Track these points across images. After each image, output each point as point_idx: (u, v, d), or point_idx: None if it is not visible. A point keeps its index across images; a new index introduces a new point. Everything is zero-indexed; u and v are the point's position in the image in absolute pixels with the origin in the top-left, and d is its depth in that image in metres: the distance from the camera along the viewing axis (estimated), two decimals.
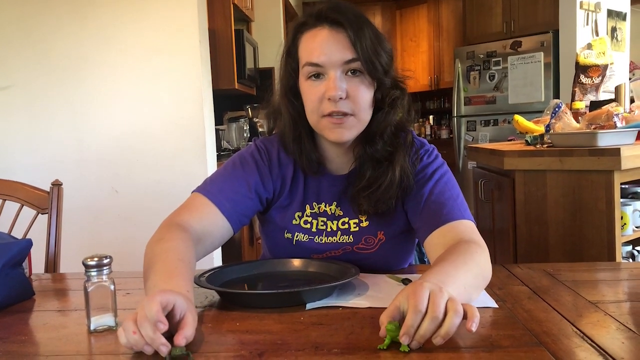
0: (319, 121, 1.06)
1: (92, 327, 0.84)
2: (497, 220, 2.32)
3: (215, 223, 1.07)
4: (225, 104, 3.94)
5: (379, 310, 0.78)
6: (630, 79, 4.47)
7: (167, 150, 2.61)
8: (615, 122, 2.03)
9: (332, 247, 1.14)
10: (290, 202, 1.16)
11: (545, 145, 2.15)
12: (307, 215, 1.15)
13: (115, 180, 2.63)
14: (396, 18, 6.68)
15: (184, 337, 0.73)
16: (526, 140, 2.31)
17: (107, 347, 0.79)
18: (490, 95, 5.33)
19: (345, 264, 1.06)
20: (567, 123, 2.11)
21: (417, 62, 6.44)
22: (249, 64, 3.77)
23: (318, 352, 0.73)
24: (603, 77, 2.56)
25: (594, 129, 2.03)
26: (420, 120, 6.68)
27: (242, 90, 3.71)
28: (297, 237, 1.15)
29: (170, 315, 0.76)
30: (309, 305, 0.91)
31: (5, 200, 1.56)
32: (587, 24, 4.53)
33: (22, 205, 1.55)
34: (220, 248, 2.61)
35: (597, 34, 4.52)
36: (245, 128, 3.91)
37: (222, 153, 3.32)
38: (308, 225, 1.15)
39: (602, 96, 2.61)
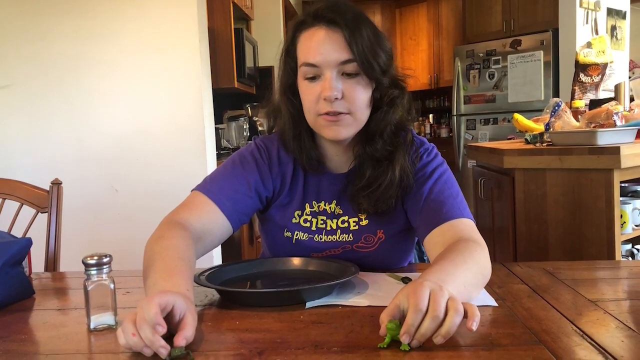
0: (316, 120, 1.06)
1: (92, 326, 0.84)
2: (496, 218, 2.32)
3: (215, 221, 1.07)
4: (225, 103, 3.94)
5: (379, 308, 0.78)
6: (629, 77, 4.46)
7: (167, 149, 2.61)
8: (614, 120, 2.03)
9: (332, 245, 1.14)
10: (290, 201, 1.16)
11: (545, 144, 2.15)
12: (306, 214, 1.15)
13: (114, 179, 2.64)
14: (396, 16, 6.68)
15: (184, 337, 0.73)
16: (526, 139, 2.31)
17: (107, 345, 0.79)
18: (489, 94, 5.33)
19: (345, 263, 1.06)
20: (567, 122, 2.11)
21: (416, 60, 6.44)
22: (249, 62, 3.77)
23: (318, 350, 0.73)
24: (603, 75, 2.56)
25: (593, 127, 2.03)
26: (420, 118, 6.69)
27: (242, 89, 3.71)
28: (296, 235, 1.15)
29: (169, 316, 0.75)
30: (308, 304, 0.92)
31: (5, 199, 1.56)
32: (587, 22, 4.53)
33: (22, 204, 1.55)
34: (219, 247, 2.61)
35: (596, 33, 4.52)
36: (244, 127, 3.91)
37: (221, 152, 3.32)
38: (308, 224, 1.15)
39: (602, 95, 2.61)
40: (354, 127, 1.06)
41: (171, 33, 2.57)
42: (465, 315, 0.72)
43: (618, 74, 3.79)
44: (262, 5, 4.53)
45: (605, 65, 2.55)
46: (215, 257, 2.66)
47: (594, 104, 2.39)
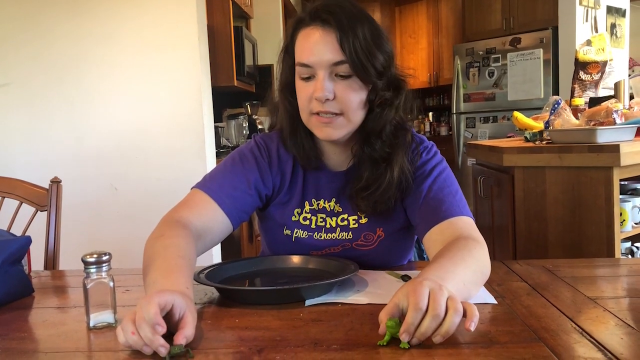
0: (309, 119, 1.06)
1: (91, 324, 0.84)
2: (496, 216, 2.32)
3: (215, 219, 1.07)
4: (224, 101, 3.94)
5: (379, 306, 0.78)
6: (629, 75, 4.47)
7: (166, 147, 2.61)
8: (614, 118, 2.03)
9: (331, 243, 1.14)
10: (290, 199, 1.16)
11: (545, 142, 2.15)
12: (306, 212, 1.15)
13: (114, 178, 2.63)
14: (395, 15, 6.67)
15: (184, 336, 0.73)
16: (525, 137, 2.31)
17: (107, 343, 0.79)
18: (489, 92, 5.33)
19: (345, 261, 1.06)
20: (567, 119, 2.11)
21: (416, 59, 6.44)
22: (248, 61, 3.77)
23: (317, 348, 0.73)
24: (602, 73, 2.56)
25: (593, 125, 2.03)
26: (420, 117, 6.68)
27: (241, 87, 3.71)
28: (296, 233, 1.15)
29: (169, 315, 0.76)
30: (308, 302, 0.92)
31: (5, 197, 1.56)
32: (587, 20, 4.53)
33: (21, 203, 1.55)
34: (219, 245, 2.61)
35: (596, 31, 4.52)
36: (244, 125, 3.91)
37: (221, 150, 3.32)
38: (307, 222, 1.15)
39: (602, 93, 2.61)
40: (347, 128, 1.06)
41: (170, 32, 2.57)
42: (465, 315, 0.72)
43: (618, 71, 3.78)
44: (261, 4, 4.52)
45: (604, 63, 2.55)
46: (215, 255, 2.66)
47: (594, 101, 2.39)
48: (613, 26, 4.74)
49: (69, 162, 2.62)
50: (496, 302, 0.90)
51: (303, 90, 1.05)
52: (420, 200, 1.09)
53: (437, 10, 6.29)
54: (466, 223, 1.04)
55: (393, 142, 1.09)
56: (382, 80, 1.05)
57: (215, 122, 2.92)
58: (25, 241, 1.07)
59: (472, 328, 0.71)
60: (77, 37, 2.59)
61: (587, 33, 4.46)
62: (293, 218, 1.15)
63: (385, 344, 0.72)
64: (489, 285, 0.98)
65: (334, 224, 1.14)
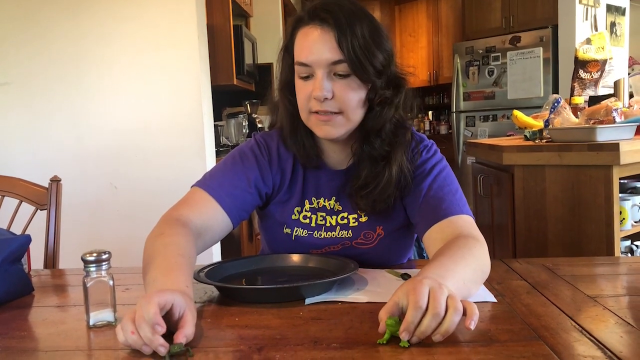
0: (309, 118, 1.07)
1: (91, 323, 0.84)
2: (496, 215, 2.32)
3: (215, 218, 1.07)
4: (224, 100, 3.93)
5: (378, 305, 0.78)
6: (629, 74, 4.47)
7: (166, 146, 2.61)
8: (614, 117, 2.03)
9: (331, 242, 1.14)
10: (290, 197, 1.16)
11: (544, 141, 2.15)
12: (306, 210, 1.15)
13: (114, 176, 2.63)
14: (395, 13, 6.67)
15: (184, 335, 0.73)
16: (525, 136, 2.31)
17: (106, 342, 0.79)
18: (489, 91, 5.32)
19: (345, 259, 1.06)
20: (566, 118, 2.11)
21: (416, 57, 6.44)
22: (248, 59, 3.77)
23: (317, 346, 0.73)
24: (602, 72, 2.56)
25: (592, 124, 2.03)
26: (420, 115, 6.67)
27: (241, 86, 3.70)
28: (296, 232, 1.15)
29: (169, 314, 0.76)
30: (308, 300, 0.92)
31: (4, 196, 1.56)
32: (587, 19, 4.53)
33: (21, 202, 1.55)
34: (219, 243, 2.62)
35: (596, 29, 4.52)
36: (244, 124, 3.90)
37: (220, 149, 3.32)
38: (307, 220, 1.15)
39: (601, 91, 2.62)
40: (346, 126, 1.06)
41: (170, 30, 2.57)
42: (464, 313, 0.72)
43: (617, 70, 3.79)
44: (261, 2, 4.52)
45: (604, 62, 2.55)
46: (215, 254, 2.66)
47: (593, 100, 2.39)
48: (613, 25, 4.74)
49: (68, 161, 2.62)
50: (496, 301, 0.90)
51: (302, 89, 1.05)
52: (420, 199, 1.08)
53: (437, 9, 6.28)
54: (466, 221, 1.04)
55: (393, 140, 1.09)
56: (382, 78, 1.05)
57: (214, 121, 2.92)
58: (25, 240, 1.07)
59: (472, 327, 0.71)
60: (76, 37, 2.59)
61: (587, 31, 4.46)
62: (293, 216, 1.15)
63: (385, 342, 0.72)
64: (489, 283, 0.98)
65: (333, 223, 1.14)
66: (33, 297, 1.04)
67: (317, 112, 1.04)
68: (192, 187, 1.12)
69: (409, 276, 1.02)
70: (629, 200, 2.05)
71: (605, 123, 2.01)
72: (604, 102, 2.12)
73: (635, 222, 2.08)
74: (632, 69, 4.99)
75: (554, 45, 4.77)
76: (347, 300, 0.91)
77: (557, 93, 4.34)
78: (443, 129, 6.46)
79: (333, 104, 1.03)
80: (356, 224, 1.14)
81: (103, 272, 0.84)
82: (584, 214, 1.89)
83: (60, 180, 1.56)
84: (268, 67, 4.18)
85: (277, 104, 1.18)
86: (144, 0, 2.56)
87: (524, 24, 5.08)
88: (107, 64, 2.60)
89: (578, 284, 0.99)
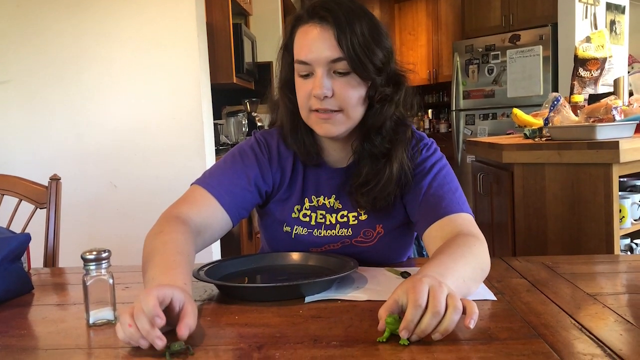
0: (309, 116, 1.06)
1: (91, 321, 0.84)
2: (495, 213, 2.32)
3: (214, 216, 1.07)
4: (224, 99, 3.93)
5: (378, 303, 0.78)
6: (629, 72, 4.47)
7: (166, 144, 2.61)
8: (613, 115, 2.03)
9: (331, 240, 1.14)
10: (290, 195, 1.16)
11: (544, 139, 2.15)
12: (306, 209, 1.15)
13: (113, 175, 2.63)
14: (395, 11, 6.67)
15: (185, 325, 0.73)
16: (525, 134, 2.31)
17: (106, 340, 0.79)
18: (489, 89, 5.32)
19: (344, 257, 1.06)
20: (566, 116, 2.11)
21: (415, 55, 6.43)
22: (247, 58, 3.76)
23: (317, 344, 0.73)
24: (602, 70, 2.56)
25: (592, 122, 2.03)
26: (419, 114, 6.67)
27: (241, 84, 3.70)
28: (296, 230, 1.15)
29: (169, 309, 0.76)
30: (307, 299, 0.92)
31: (4, 195, 1.56)
32: (586, 17, 4.53)
33: (21, 200, 1.55)
34: (219, 242, 2.61)
35: (596, 27, 4.51)
36: (243, 122, 3.90)
37: (220, 147, 3.32)
38: (307, 219, 1.15)
39: (601, 89, 2.61)
40: (346, 124, 1.06)
41: (169, 29, 2.56)
42: (464, 312, 0.72)
43: (617, 68, 3.78)
44: (260, 1, 4.51)
45: (604, 60, 2.55)
46: (215, 253, 2.66)
47: (593, 98, 2.39)
48: (612, 23, 4.74)
49: (68, 159, 2.62)
50: (495, 299, 0.90)
51: (302, 88, 1.05)
52: (420, 197, 1.08)
53: (436, 7, 6.28)
54: (466, 220, 1.04)
55: (393, 137, 1.09)
56: (381, 76, 1.05)
57: (214, 119, 2.92)
58: (25, 238, 1.07)
59: (472, 326, 0.71)
60: (76, 35, 2.59)
61: (586, 30, 4.45)
62: (293, 215, 1.15)
63: (384, 340, 0.72)
64: (489, 281, 0.98)
65: (333, 221, 1.14)
66: (33, 295, 1.04)
67: (317, 110, 1.04)
68: (191, 185, 1.12)
69: (409, 274, 1.02)
70: (629, 198, 2.05)
71: (604, 121, 2.01)
72: (603, 101, 2.12)
73: (635, 220, 2.08)
74: (632, 67, 4.99)
75: (554, 44, 4.77)
76: (347, 298, 0.92)
77: (557, 91, 4.34)
78: (443, 128, 6.46)
79: (333, 102, 1.03)
80: (356, 222, 1.14)
81: (103, 271, 0.84)
82: (584, 212, 1.89)
83: (59, 179, 1.56)
84: (268, 65, 4.18)
85: (277, 103, 1.18)
86: None
87: (524, 22, 5.08)
88: (107, 62, 2.60)
89: (578, 282, 0.99)
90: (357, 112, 1.05)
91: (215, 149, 2.94)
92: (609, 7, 4.70)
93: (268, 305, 0.89)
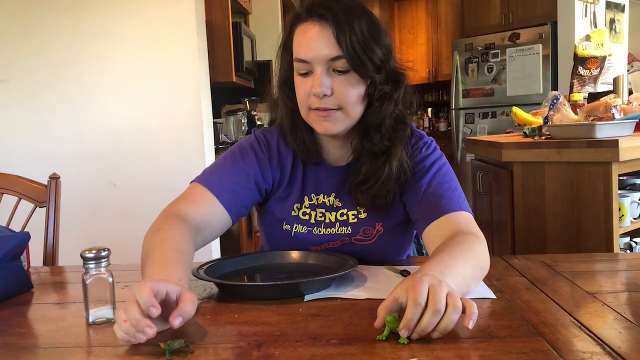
0: (308, 114, 1.07)
1: (90, 320, 0.84)
2: (495, 212, 2.32)
3: (214, 213, 1.07)
4: (223, 97, 3.93)
5: (378, 301, 0.78)
6: (628, 70, 4.46)
7: (165, 143, 2.61)
8: (613, 113, 2.03)
9: (331, 238, 1.14)
10: (289, 194, 1.16)
11: (544, 137, 2.15)
12: (305, 207, 1.15)
13: (113, 174, 2.63)
14: (394, 10, 6.66)
15: (180, 310, 0.73)
16: (524, 132, 2.31)
17: (106, 339, 0.79)
18: (488, 88, 5.32)
19: (344, 256, 1.06)
20: (565, 115, 2.11)
21: (415, 54, 6.43)
22: (247, 56, 3.76)
23: (316, 343, 0.73)
24: (601, 68, 2.56)
25: (592, 120, 2.03)
26: (419, 112, 6.67)
27: (240, 83, 3.70)
28: (295, 228, 1.15)
29: (166, 302, 0.76)
30: (307, 297, 0.92)
31: (3, 193, 1.56)
32: (586, 15, 4.52)
33: (20, 199, 1.55)
34: (218, 240, 2.61)
35: (595, 26, 4.51)
36: (243, 121, 3.90)
37: (220, 146, 3.32)
38: (307, 217, 1.15)
39: (601, 88, 2.61)
40: (346, 122, 1.06)
41: (169, 27, 2.56)
42: (463, 311, 0.72)
43: (617, 67, 3.78)
44: None
45: (603, 58, 2.55)
46: (214, 251, 2.66)
47: (593, 97, 2.39)
48: (612, 21, 4.74)
49: (67, 158, 2.62)
50: (495, 297, 0.90)
51: (301, 86, 1.05)
52: (419, 196, 1.09)
53: (436, 6, 6.28)
54: (465, 218, 1.04)
55: (393, 135, 1.09)
56: (381, 74, 1.05)
57: (213, 118, 2.92)
58: (24, 237, 1.07)
59: (471, 326, 0.71)
60: (76, 34, 2.59)
61: (586, 28, 4.45)
62: (292, 213, 1.15)
63: (384, 338, 0.72)
64: (488, 280, 0.98)
65: (333, 219, 1.14)
66: (32, 294, 1.04)
67: (316, 109, 1.04)
68: (191, 182, 1.12)
69: (408, 273, 1.02)
70: (628, 196, 2.06)
71: (604, 120, 2.01)
72: (603, 99, 2.12)
73: (634, 218, 2.08)
74: (632, 66, 4.98)
75: (553, 42, 4.77)
76: (347, 296, 0.92)
77: (557, 90, 4.34)
78: (442, 126, 6.46)
79: (332, 100, 1.03)
80: (355, 220, 1.14)
81: (102, 269, 0.84)
82: (583, 211, 1.89)
83: (59, 178, 1.56)
84: (267, 64, 4.18)
85: (276, 101, 1.18)
86: None
87: (523, 21, 5.08)
88: (106, 61, 2.59)
89: (577, 280, 0.99)
90: (356, 110, 1.05)
91: (215, 148, 2.94)
92: (609, 5, 4.70)
93: (268, 304, 0.90)
